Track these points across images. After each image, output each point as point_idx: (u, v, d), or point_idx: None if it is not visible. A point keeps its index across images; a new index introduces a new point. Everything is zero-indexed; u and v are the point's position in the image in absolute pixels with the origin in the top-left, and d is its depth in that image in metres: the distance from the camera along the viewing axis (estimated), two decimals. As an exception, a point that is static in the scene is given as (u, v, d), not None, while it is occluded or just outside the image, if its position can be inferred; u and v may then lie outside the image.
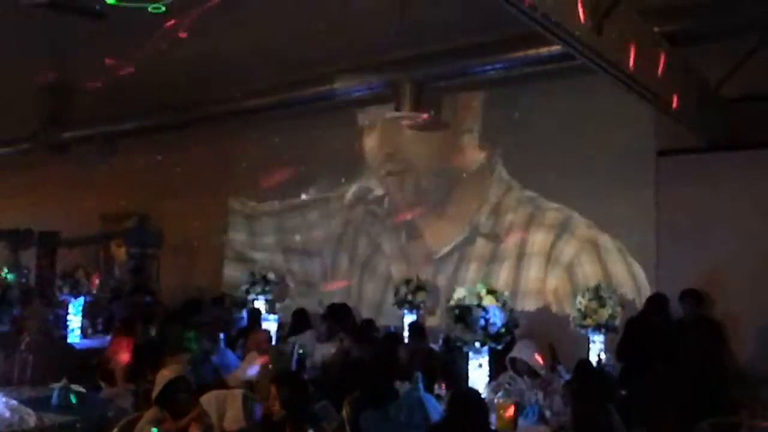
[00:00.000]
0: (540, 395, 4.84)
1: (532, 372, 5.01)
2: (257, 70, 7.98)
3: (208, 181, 10.67)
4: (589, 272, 7.16)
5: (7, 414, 4.35)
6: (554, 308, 7.31)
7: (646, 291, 6.78)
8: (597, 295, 6.19)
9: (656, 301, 6.03)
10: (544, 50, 5.90)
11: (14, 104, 9.32)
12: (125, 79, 8.27)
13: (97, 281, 8.37)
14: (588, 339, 6.30)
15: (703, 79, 5.90)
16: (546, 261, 7.61)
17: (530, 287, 7.56)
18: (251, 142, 10.52)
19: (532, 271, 7.64)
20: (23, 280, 10.42)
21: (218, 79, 8.29)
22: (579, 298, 6.27)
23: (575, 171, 7.53)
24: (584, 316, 6.16)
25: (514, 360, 5.08)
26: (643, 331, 5.77)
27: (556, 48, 5.33)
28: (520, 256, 7.80)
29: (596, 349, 6.24)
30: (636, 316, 6.12)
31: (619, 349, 5.87)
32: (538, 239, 7.73)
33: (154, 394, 3.81)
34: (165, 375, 3.85)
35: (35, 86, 9.05)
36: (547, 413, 4.66)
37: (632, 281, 6.92)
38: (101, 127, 9.84)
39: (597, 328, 6.14)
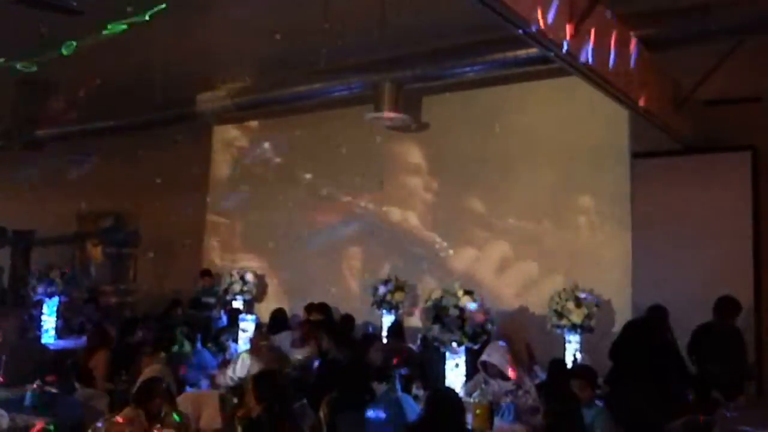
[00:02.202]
0: (511, 396, 4.87)
1: (501, 374, 5.04)
2: (236, 69, 7.95)
3: (185, 180, 10.60)
4: (564, 272, 7.22)
5: (-21, 416, 4.30)
6: (531, 308, 7.37)
7: (622, 292, 6.87)
8: (573, 295, 6.25)
9: (657, 311, 6.08)
10: (522, 52, 5.95)
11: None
12: (101, 76, 8.19)
13: None
14: (564, 339, 6.37)
15: (678, 83, 6.00)
16: (521, 261, 7.68)
17: (506, 287, 7.62)
18: (233, 140, 10.51)
19: (508, 271, 7.70)
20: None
21: (197, 79, 8.23)
22: (555, 299, 6.33)
23: (551, 172, 7.63)
24: (560, 316, 6.22)
25: (485, 363, 5.11)
26: (640, 335, 5.81)
27: (533, 50, 5.39)
28: (495, 255, 7.87)
29: (572, 349, 6.30)
30: (635, 320, 6.16)
31: (613, 348, 5.91)
32: (514, 238, 7.81)
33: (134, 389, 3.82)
34: (144, 375, 3.85)
35: (9, 83, 8.92)
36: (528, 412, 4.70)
37: (608, 282, 6.99)
38: (77, 125, 9.71)
39: (573, 328, 6.20)
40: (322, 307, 7.90)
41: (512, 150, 7.93)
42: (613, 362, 5.68)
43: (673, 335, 5.84)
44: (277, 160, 9.99)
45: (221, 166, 10.73)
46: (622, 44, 4.87)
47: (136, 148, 10.45)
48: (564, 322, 6.17)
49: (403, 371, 5.20)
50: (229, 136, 10.55)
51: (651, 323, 5.84)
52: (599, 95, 5.02)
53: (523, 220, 7.81)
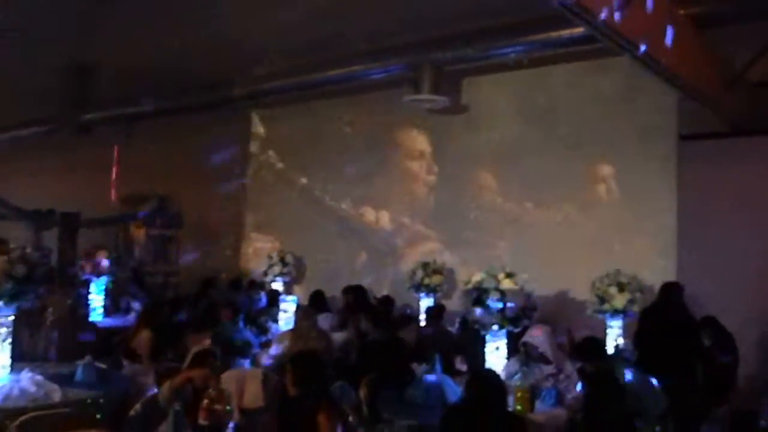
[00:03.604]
0: (552, 380, 4.85)
1: (543, 357, 5.01)
2: (277, 52, 7.97)
3: (227, 162, 10.75)
4: (608, 257, 7.12)
5: (33, 389, 4.46)
6: (572, 293, 7.30)
7: (667, 277, 6.73)
8: (615, 280, 6.15)
9: (670, 289, 5.98)
10: (566, 32, 5.83)
11: (37, 85, 9.40)
12: (147, 60, 8.33)
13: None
14: (605, 324, 6.29)
15: (728, 63, 5.82)
16: (565, 244, 7.60)
17: (548, 271, 7.55)
18: (271, 123, 10.60)
19: (551, 255, 7.62)
20: (45, 260, 10.56)
21: (238, 61, 8.30)
22: (597, 284, 6.24)
23: (596, 154, 7.52)
24: (602, 301, 6.13)
25: (526, 344, 5.08)
26: (657, 323, 5.73)
27: (578, 30, 5.27)
28: (539, 238, 7.81)
29: (613, 335, 6.21)
30: (650, 306, 6.07)
31: (636, 339, 5.87)
32: (557, 222, 7.73)
33: (186, 364, 3.92)
34: (195, 349, 4.03)
35: (58, 67, 9.11)
36: (569, 396, 4.66)
37: (652, 266, 6.87)
38: (122, 108, 9.89)
39: (615, 313, 6.11)
40: (358, 290, 7.96)
41: (556, 132, 7.82)
42: (640, 351, 5.58)
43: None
44: (313, 143, 10.04)
45: (259, 149, 10.83)
46: (671, 22, 4.72)
47: (178, 133, 10.61)
48: (606, 307, 6.08)
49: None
50: (267, 118, 10.64)
51: (671, 305, 5.75)
52: (647, 75, 4.90)
53: (567, 203, 7.73)
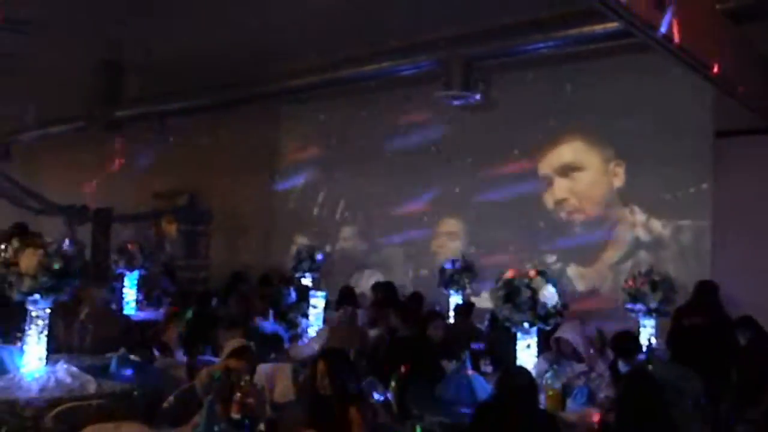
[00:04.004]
0: (583, 378, 4.79)
1: (575, 354, 4.95)
2: (305, 48, 8.00)
3: (256, 159, 10.84)
4: (641, 255, 7.02)
5: (69, 380, 4.55)
6: (604, 292, 7.21)
7: (701, 275, 6.61)
8: (649, 278, 6.06)
9: (704, 289, 5.88)
10: (599, 27, 5.74)
11: (69, 82, 9.56)
12: (177, 57, 8.42)
13: None
14: (638, 324, 6.20)
15: (765, 57, 5.69)
16: (598, 242, 7.51)
17: (580, 268, 7.47)
18: (299, 120, 10.64)
19: (582, 252, 7.54)
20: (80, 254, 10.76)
21: (267, 58, 8.35)
22: (630, 281, 6.16)
23: (630, 152, 7.41)
24: (635, 299, 6.05)
25: (558, 340, 5.04)
26: (691, 323, 5.65)
27: (612, 25, 5.20)
28: (571, 236, 7.73)
29: (647, 334, 6.13)
30: (684, 305, 5.98)
31: (670, 338, 5.79)
32: (590, 220, 7.63)
33: (222, 357, 3.98)
34: (232, 343, 4.09)
35: (88, 64, 9.25)
36: (601, 395, 4.61)
37: (686, 265, 6.76)
38: (153, 106, 10.01)
39: (648, 312, 6.02)
40: (387, 286, 7.97)
41: (588, 127, 7.73)
42: (673, 351, 5.50)
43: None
44: (342, 139, 10.07)
45: (288, 146, 10.90)
46: (706, 16, 4.64)
47: (208, 130, 10.73)
48: (639, 305, 6.00)
49: (477, 346, 5.21)
50: (295, 115, 10.68)
51: (705, 304, 5.65)
52: (681, 71, 4.82)
53: (597, 201, 7.63)
